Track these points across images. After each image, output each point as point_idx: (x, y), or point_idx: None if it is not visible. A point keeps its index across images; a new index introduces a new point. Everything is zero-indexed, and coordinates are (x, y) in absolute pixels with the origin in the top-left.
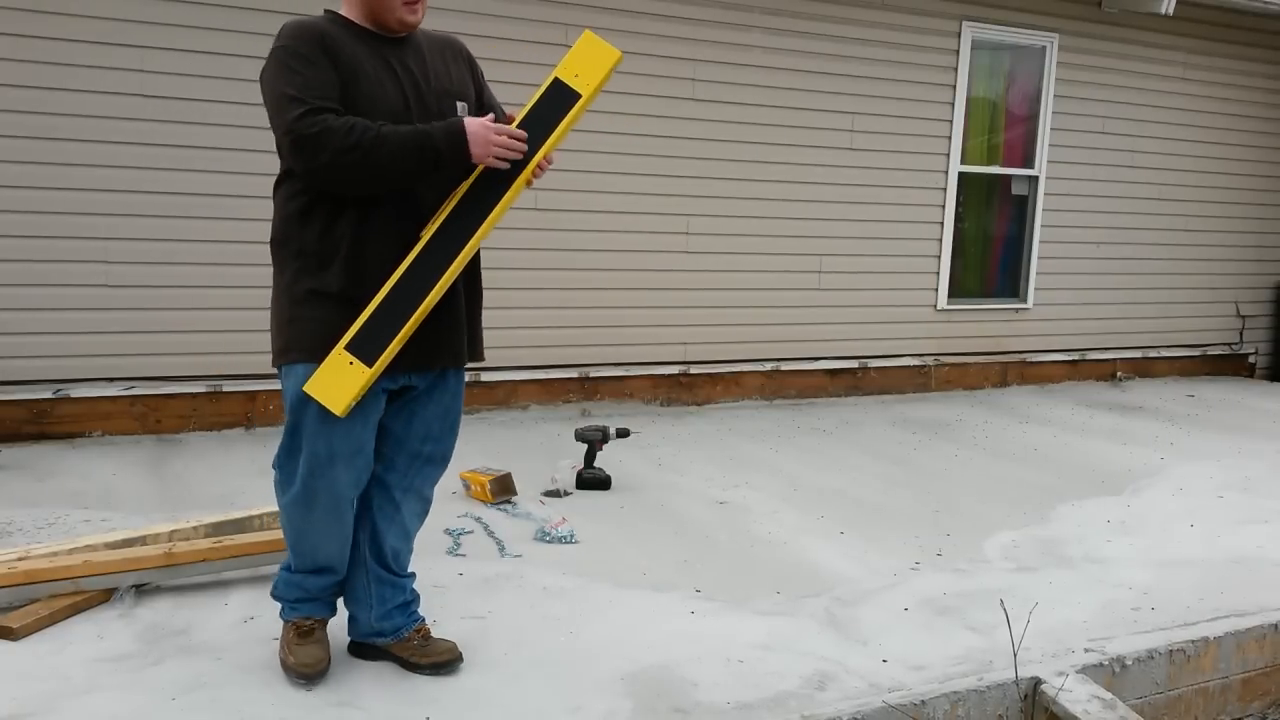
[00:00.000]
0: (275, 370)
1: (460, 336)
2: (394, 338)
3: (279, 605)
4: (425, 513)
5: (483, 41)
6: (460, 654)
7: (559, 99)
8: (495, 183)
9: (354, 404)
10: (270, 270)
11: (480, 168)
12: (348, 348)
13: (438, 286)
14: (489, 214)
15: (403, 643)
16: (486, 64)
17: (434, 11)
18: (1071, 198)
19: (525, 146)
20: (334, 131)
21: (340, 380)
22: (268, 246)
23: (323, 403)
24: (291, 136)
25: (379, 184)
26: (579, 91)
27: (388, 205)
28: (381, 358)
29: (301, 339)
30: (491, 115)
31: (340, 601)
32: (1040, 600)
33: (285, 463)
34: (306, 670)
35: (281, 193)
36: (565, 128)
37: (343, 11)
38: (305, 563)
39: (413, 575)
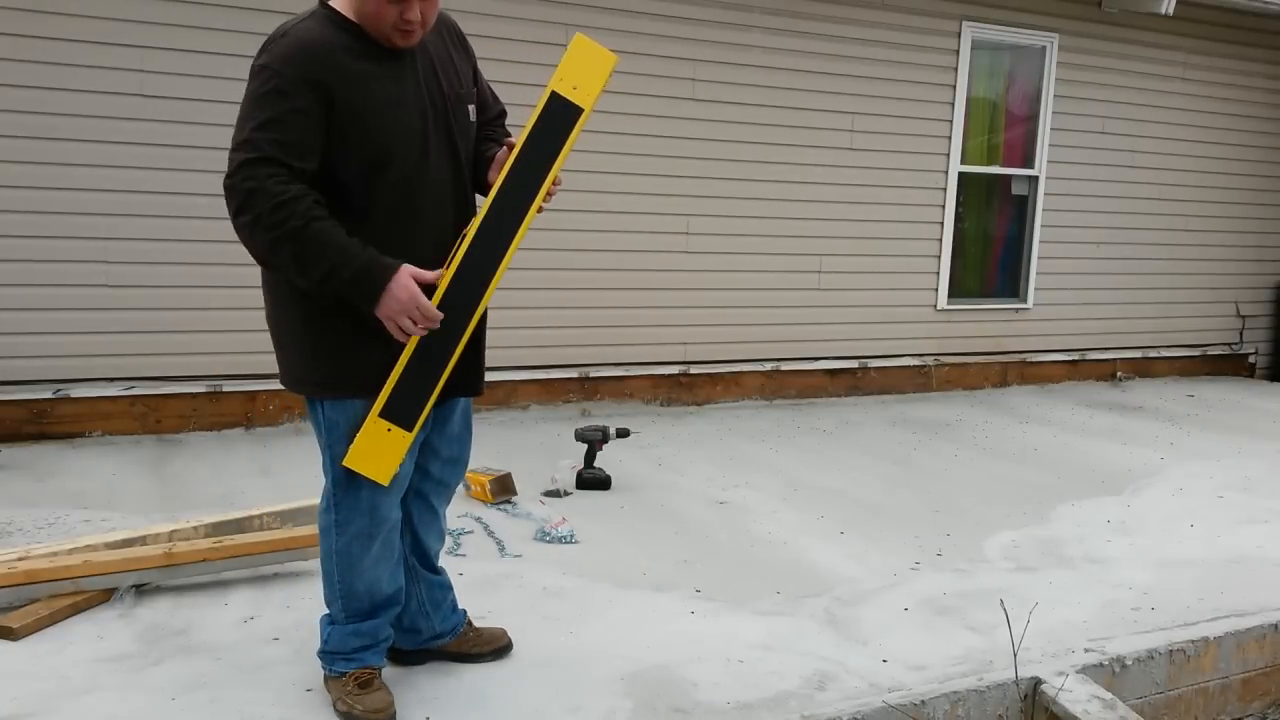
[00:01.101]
0: (278, 370)
1: (483, 358)
2: (429, 397)
3: (329, 662)
4: (448, 505)
5: (482, 41)
6: (510, 638)
7: (560, 115)
8: (506, 218)
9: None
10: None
11: (489, 202)
12: (382, 415)
13: (464, 337)
14: (504, 254)
15: (461, 638)
16: (486, 64)
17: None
18: (1071, 198)
19: (436, 325)
20: (265, 196)
21: (381, 449)
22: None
23: (367, 475)
24: (228, 181)
25: (282, 273)
26: (580, 105)
27: (423, 220)
28: (420, 419)
29: (357, 372)
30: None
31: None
32: (1040, 600)
33: (344, 499)
34: (381, 715)
35: None
36: (569, 146)
37: (336, 4)
38: (362, 605)
39: (443, 569)
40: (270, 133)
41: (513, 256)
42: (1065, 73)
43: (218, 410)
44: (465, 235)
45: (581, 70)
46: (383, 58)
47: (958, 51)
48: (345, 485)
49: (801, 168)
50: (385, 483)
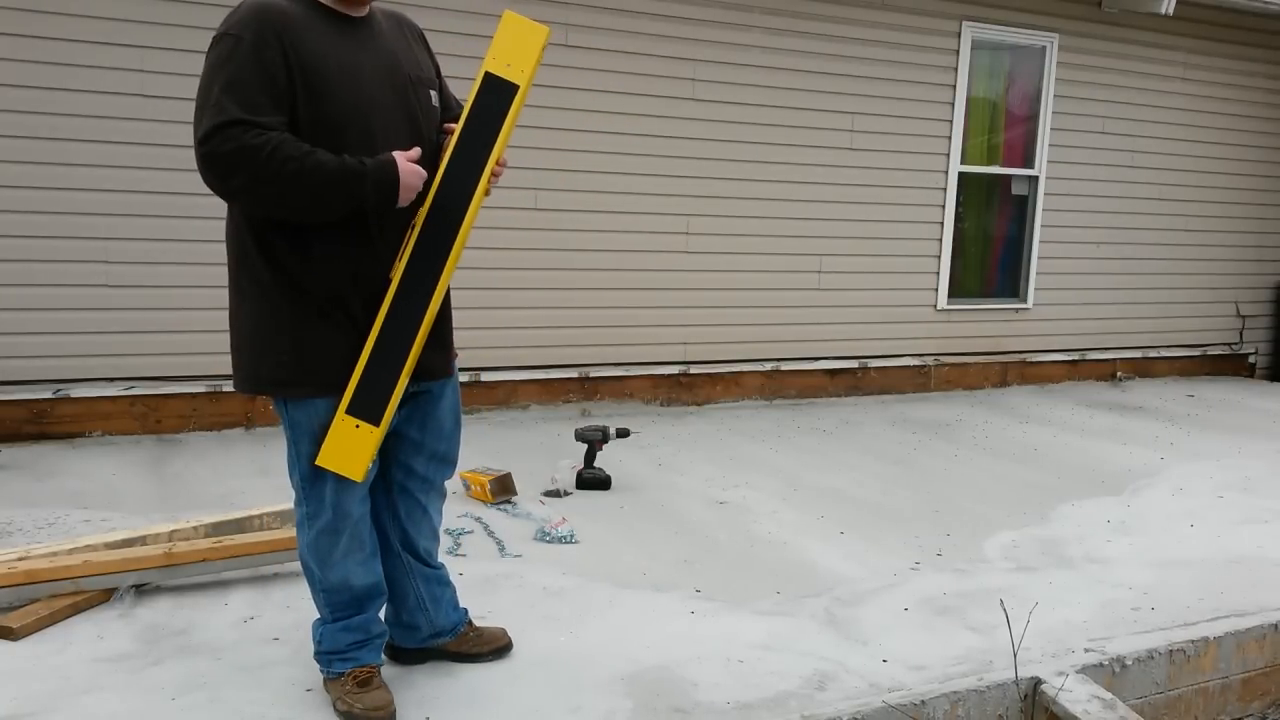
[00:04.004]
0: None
1: (450, 334)
2: (393, 390)
3: (326, 664)
4: (443, 503)
5: (480, 42)
6: (510, 638)
7: (496, 95)
8: (451, 204)
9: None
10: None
11: (434, 190)
12: (349, 412)
13: (423, 326)
14: (455, 239)
15: (460, 638)
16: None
17: (432, 11)
18: (1071, 198)
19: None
20: (252, 152)
21: (352, 447)
22: None
23: (340, 473)
24: (204, 149)
25: (297, 217)
26: (515, 83)
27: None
28: (386, 414)
29: (315, 371)
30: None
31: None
32: (1040, 600)
33: (310, 493)
34: (381, 714)
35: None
36: (509, 125)
37: None
38: (343, 598)
39: (443, 565)
40: (235, 94)
41: (464, 243)
42: (1065, 73)
43: (218, 410)
44: (415, 224)
45: (514, 47)
46: (339, 28)
47: (958, 51)
48: (310, 481)
49: (801, 168)
50: (359, 479)
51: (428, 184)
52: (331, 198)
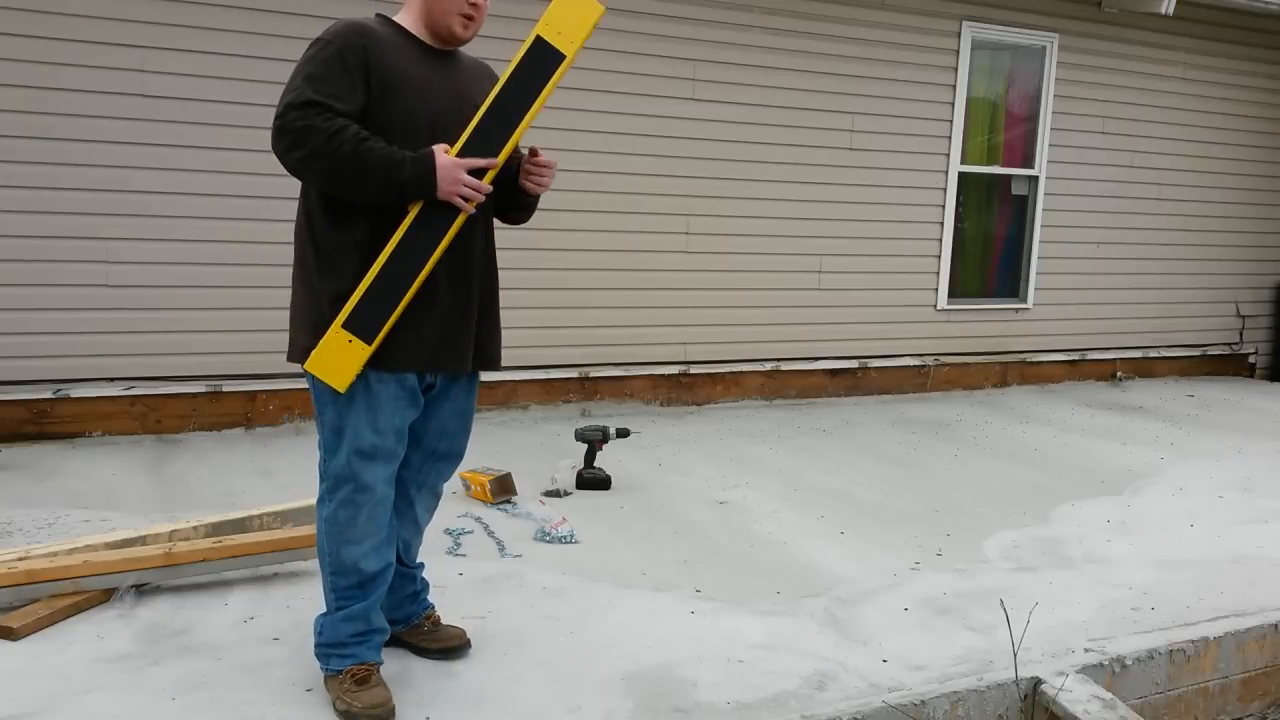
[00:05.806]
0: (277, 370)
1: (487, 339)
2: (390, 314)
3: (325, 659)
4: (436, 506)
5: (482, 42)
6: (468, 640)
7: (542, 60)
8: (481, 154)
9: (355, 381)
10: (291, 266)
11: (465, 138)
12: (345, 326)
13: (433, 258)
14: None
15: (414, 629)
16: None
17: None
18: (1071, 198)
19: (485, 195)
20: (317, 131)
21: (341, 358)
22: (267, 247)
23: (324, 380)
24: (279, 122)
25: (344, 195)
26: (563, 51)
27: None
28: (379, 335)
29: None
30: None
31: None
32: (1040, 600)
33: (330, 465)
34: (379, 711)
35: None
36: (548, 91)
37: (397, 17)
38: (350, 581)
39: (422, 565)
40: (315, 83)
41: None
42: (1065, 73)
43: (218, 410)
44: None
45: (568, 18)
46: (422, 53)
47: (958, 51)
48: (331, 451)
49: (801, 168)
50: (341, 389)
51: (457, 133)
52: (373, 181)
